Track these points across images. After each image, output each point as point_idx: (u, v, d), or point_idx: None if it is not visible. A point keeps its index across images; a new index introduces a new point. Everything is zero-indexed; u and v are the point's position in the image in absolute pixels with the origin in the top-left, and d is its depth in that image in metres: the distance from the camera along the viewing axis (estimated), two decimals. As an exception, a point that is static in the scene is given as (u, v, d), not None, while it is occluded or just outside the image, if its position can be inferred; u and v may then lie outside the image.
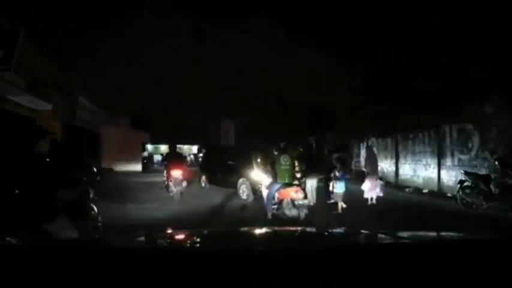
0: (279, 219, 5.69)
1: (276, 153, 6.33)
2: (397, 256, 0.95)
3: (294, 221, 5.57)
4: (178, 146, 13.97)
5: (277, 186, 5.83)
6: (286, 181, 5.85)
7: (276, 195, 5.81)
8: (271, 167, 6.17)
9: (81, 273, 0.82)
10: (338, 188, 6.79)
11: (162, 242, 1.48)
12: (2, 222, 2.39)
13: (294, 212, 5.57)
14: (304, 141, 16.90)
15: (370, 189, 7.60)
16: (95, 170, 4.71)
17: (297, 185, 5.98)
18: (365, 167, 8.38)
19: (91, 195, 4.28)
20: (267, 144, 8.19)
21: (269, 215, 5.82)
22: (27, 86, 7.54)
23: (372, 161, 8.30)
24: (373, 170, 7.98)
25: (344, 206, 6.77)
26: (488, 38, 8.99)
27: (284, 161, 5.94)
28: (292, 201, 5.60)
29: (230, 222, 6.12)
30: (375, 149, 10.74)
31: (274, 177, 5.99)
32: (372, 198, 7.58)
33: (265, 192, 6.36)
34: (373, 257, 0.93)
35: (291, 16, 15.60)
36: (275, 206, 5.79)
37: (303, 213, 5.58)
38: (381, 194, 7.74)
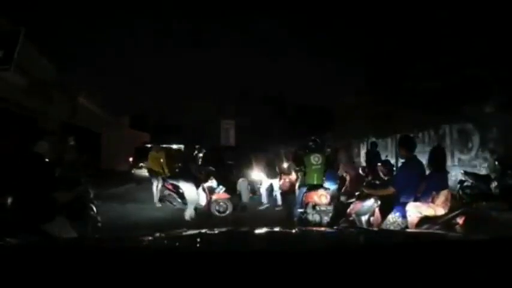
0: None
1: (304, 151, 5.90)
2: (397, 256, 0.95)
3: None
4: (178, 146, 14.09)
5: (304, 189, 5.46)
6: (315, 183, 5.42)
7: (303, 198, 5.43)
8: (299, 167, 5.68)
9: (80, 273, 0.82)
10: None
11: (161, 242, 1.48)
12: (1, 223, 2.39)
13: (316, 218, 5.11)
14: (306, 141, 16.83)
15: None
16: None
17: (324, 188, 5.48)
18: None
19: (91, 195, 4.29)
20: (266, 144, 8.06)
21: (295, 219, 5.50)
22: (27, 86, 7.54)
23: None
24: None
25: None
26: (489, 38, 8.98)
27: (315, 160, 5.46)
28: (314, 205, 5.18)
29: (230, 221, 6.12)
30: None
31: (303, 179, 5.57)
32: None
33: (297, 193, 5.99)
34: (373, 256, 0.93)
35: (292, 17, 15.66)
36: (301, 210, 5.42)
37: (324, 220, 5.08)
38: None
